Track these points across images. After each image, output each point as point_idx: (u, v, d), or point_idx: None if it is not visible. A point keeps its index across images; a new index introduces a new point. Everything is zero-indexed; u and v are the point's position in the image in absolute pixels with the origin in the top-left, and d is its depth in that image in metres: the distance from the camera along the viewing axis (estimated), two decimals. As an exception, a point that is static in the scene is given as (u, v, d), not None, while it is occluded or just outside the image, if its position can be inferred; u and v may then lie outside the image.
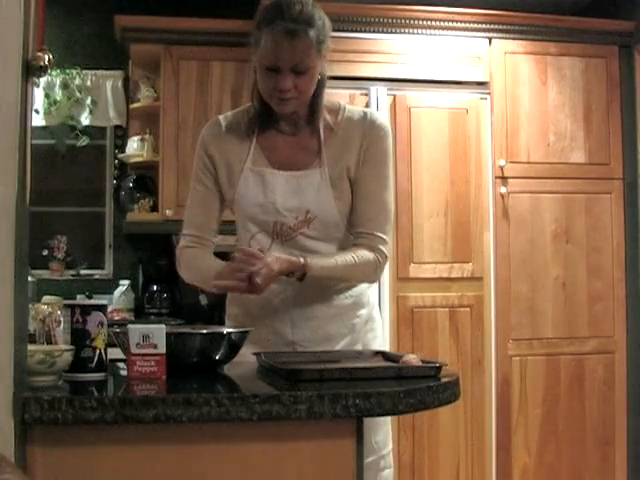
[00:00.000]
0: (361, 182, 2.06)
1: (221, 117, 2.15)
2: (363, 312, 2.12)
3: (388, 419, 2.09)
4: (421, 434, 3.72)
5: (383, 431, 2.07)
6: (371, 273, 2.08)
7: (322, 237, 2.05)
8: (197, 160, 2.14)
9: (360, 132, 2.06)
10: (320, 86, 2.03)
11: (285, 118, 2.06)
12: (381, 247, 2.06)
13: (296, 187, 2.03)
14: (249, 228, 2.07)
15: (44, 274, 4.27)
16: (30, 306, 3.22)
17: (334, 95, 3.88)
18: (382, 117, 2.15)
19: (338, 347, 2.05)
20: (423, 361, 1.75)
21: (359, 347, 2.07)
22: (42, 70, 1.42)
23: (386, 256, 2.07)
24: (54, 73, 4.30)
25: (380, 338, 2.19)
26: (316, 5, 1.97)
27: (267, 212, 2.03)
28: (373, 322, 2.17)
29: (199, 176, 2.12)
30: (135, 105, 4.33)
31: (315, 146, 2.07)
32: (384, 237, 2.07)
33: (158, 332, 1.59)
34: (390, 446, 2.09)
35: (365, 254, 2.03)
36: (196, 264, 2.11)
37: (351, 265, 2.01)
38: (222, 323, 4.16)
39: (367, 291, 2.16)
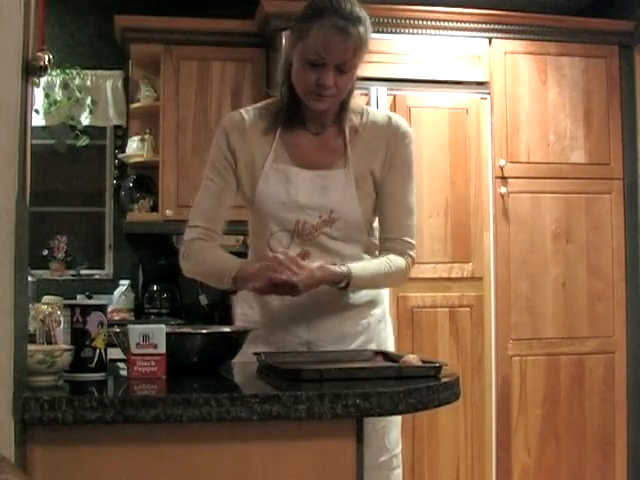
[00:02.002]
0: (388, 188, 2.06)
1: (242, 110, 2.10)
2: (377, 311, 2.12)
3: (399, 419, 2.09)
4: (421, 434, 3.72)
5: (395, 431, 2.07)
6: (402, 278, 2.13)
7: (344, 238, 2.03)
8: (216, 151, 2.08)
9: (385, 137, 2.06)
10: (354, 86, 2.03)
11: (312, 117, 2.04)
12: (410, 252, 2.08)
13: (320, 186, 2.02)
14: (269, 226, 2.04)
15: (44, 274, 4.27)
16: (30, 306, 3.21)
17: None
18: (405, 122, 2.13)
19: (353, 346, 2.04)
20: (423, 361, 1.75)
21: (373, 346, 2.06)
22: (42, 70, 1.42)
23: (414, 260, 2.10)
24: (54, 73, 4.30)
25: (392, 338, 2.19)
26: (362, 5, 1.96)
27: (290, 210, 2.01)
28: (386, 321, 2.16)
29: (216, 167, 2.07)
30: (135, 105, 4.33)
31: (340, 146, 2.05)
32: (412, 242, 2.08)
33: (158, 332, 1.59)
34: (400, 445, 2.09)
35: (398, 260, 2.05)
36: (208, 258, 2.06)
37: (388, 273, 2.04)
38: (222, 323, 4.17)
39: (381, 290, 2.16)
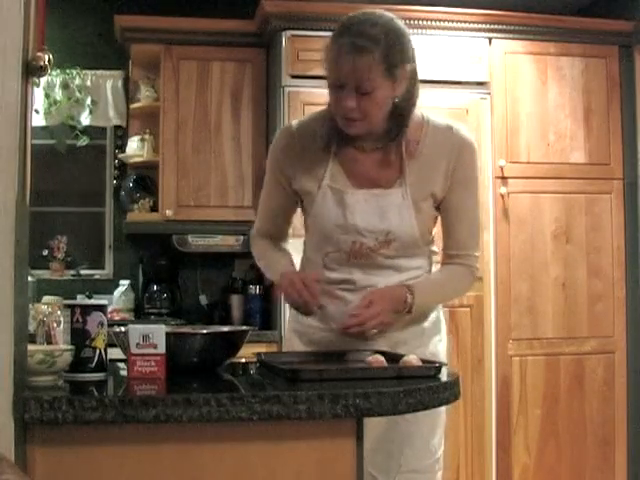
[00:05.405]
0: (453, 205, 2.03)
1: (294, 125, 2.08)
2: (433, 315, 2.11)
3: (444, 422, 2.08)
4: (421, 434, 3.71)
5: (439, 434, 2.06)
6: (466, 290, 2.18)
7: (401, 254, 2.03)
8: (270, 172, 2.12)
9: (447, 151, 2.01)
10: (410, 105, 1.96)
11: (363, 135, 1.98)
12: (475, 264, 2.09)
13: (377, 207, 1.99)
14: (324, 246, 2.04)
15: (44, 274, 4.27)
16: (30, 306, 3.21)
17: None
18: (467, 131, 2.08)
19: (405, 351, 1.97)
20: (423, 361, 1.75)
21: (424, 351, 2.02)
22: (42, 70, 1.43)
23: (477, 269, 2.11)
24: (54, 73, 4.29)
25: (444, 341, 2.15)
26: (401, 30, 1.90)
27: (346, 232, 2.00)
28: (439, 323, 2.14)
29: (272, 182, 2.13)
30: (135, 105, 4.32)
31: (398, 163, 2.01)
32: (477, 254, 2.10)
33: (158, 332, 1.60)
34: (442, 448, 2.08)
35: (462, 274, 2.08)
36: (264, 256, 2.18)
37: (452, 290, 2.13)
38: (222, 323, 4.16)
39: None
